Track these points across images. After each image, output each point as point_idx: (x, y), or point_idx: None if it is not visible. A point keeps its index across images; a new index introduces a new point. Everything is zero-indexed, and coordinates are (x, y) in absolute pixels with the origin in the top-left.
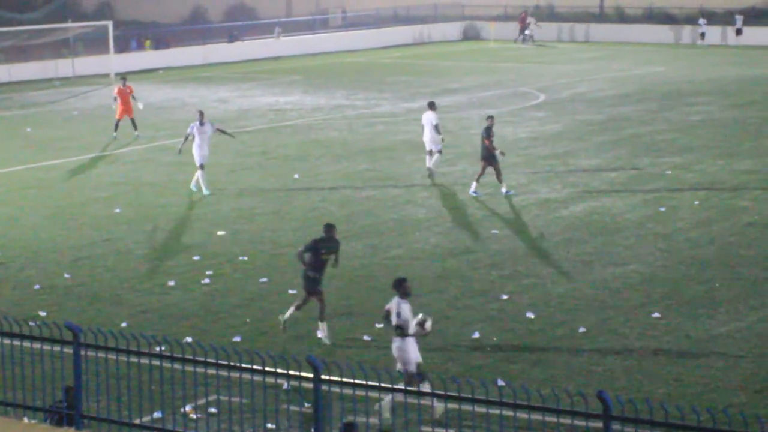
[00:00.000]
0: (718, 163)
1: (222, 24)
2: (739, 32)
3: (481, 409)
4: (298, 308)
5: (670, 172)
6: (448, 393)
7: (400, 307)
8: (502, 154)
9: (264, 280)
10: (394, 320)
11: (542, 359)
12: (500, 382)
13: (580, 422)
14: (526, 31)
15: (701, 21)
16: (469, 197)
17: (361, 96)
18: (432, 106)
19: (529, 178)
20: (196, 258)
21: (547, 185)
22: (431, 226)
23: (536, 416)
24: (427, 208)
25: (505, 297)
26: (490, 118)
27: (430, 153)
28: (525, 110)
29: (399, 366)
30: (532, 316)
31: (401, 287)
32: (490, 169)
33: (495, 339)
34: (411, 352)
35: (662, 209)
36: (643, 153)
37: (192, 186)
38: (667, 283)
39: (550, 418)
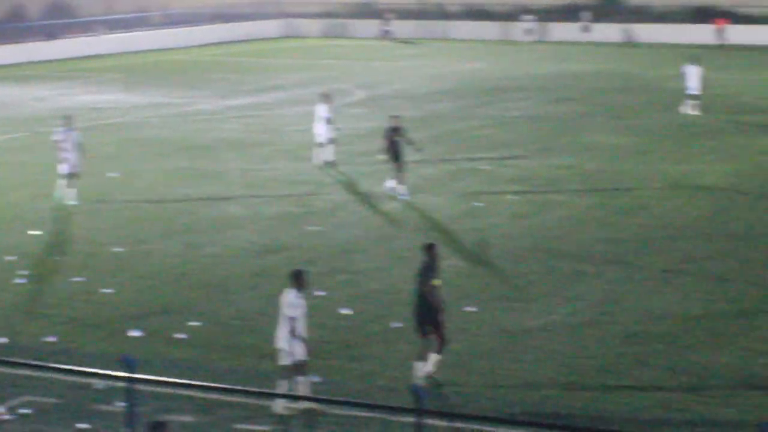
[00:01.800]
0: (534, 158)
1: (41, 22)
2: (585, 28)
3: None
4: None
5: (487, 167)
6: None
7: (291, 300)
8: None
9: (79, 279)
10: (289, 313)
11: (357, 354)
12: (315, 378)
13: (393, 417)
14: (385, 28)
15: (526, 17)
16: (286, 194)
17: (181, 94)
18: (325, 98)
19: (348, 175)
20: (10, 258)
21: (366, 181)
22: (248, 223)
23: (351, 411)
24: (245, 206)
25: (321, 293)
26: (394, 117)
27: (321, 145)
28: (344, 107)
29: (286, 358)
30: (348, 312)
31: (298, 279)
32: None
33: (310, 335)
34: (297, 345)
35: (478, 204)
36: (461, 149)
37: (64, 199)
38: (482, 278)
39: (364, 413)
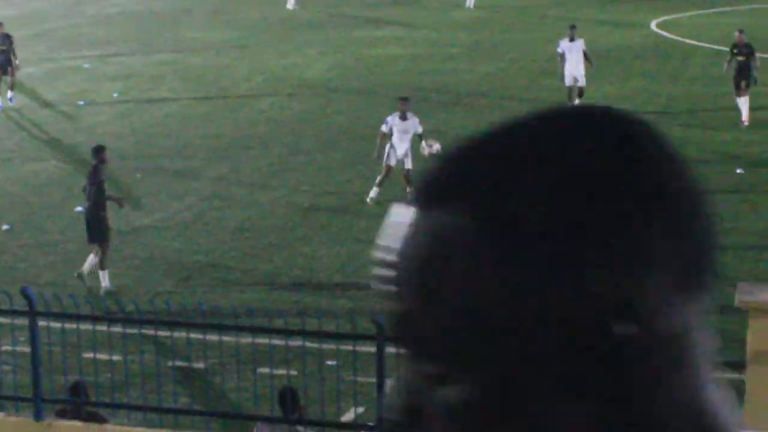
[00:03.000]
0: (135, 56)
1: None
2: None
3: None
4: None
5: (87, 65)
6: None
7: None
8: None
9: None
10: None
11: None
12: None
13: (5, 320)
14: None
15: None
16: None
17: None
18: None
19: None
20: None
21: None
22: None
23: None
24: None
25: None
26: None
27: None
28: None
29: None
30: None
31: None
32: None
33: None
34: None
35: (81, 103)
36: (62, 47)
37: None
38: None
39: None
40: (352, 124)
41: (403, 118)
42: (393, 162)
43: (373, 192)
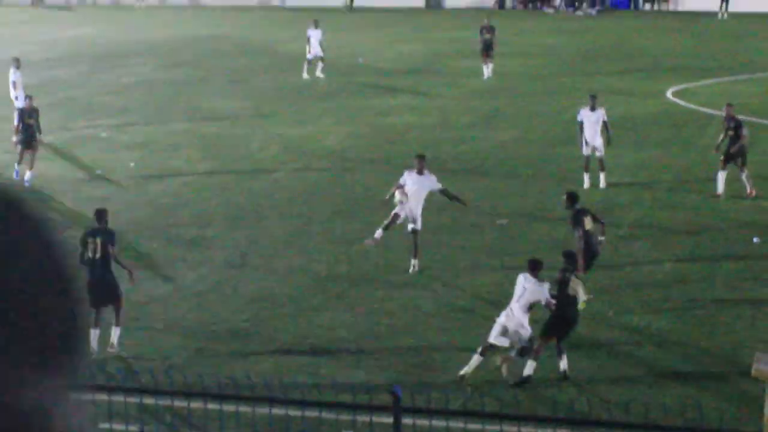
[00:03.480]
0: (152, 125)
1: None
2: None
3: None
4: None
5: (105, 134)
6: None
7: None
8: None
9: None
10: None
11: None
12: None
13: None
14: None
15: None
16: None
17: None
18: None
19: None
20: None
21: None
22: None
23: None
24: None
25: None
26: (29, 98)
27: None
28: None
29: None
30: None
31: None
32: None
33: None
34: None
35: (99, 171)
36: (79, 115)
37: None
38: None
39: None
40: (368, 193)
41: (420, 173)
42: (402, 214)
43: (377, 233)
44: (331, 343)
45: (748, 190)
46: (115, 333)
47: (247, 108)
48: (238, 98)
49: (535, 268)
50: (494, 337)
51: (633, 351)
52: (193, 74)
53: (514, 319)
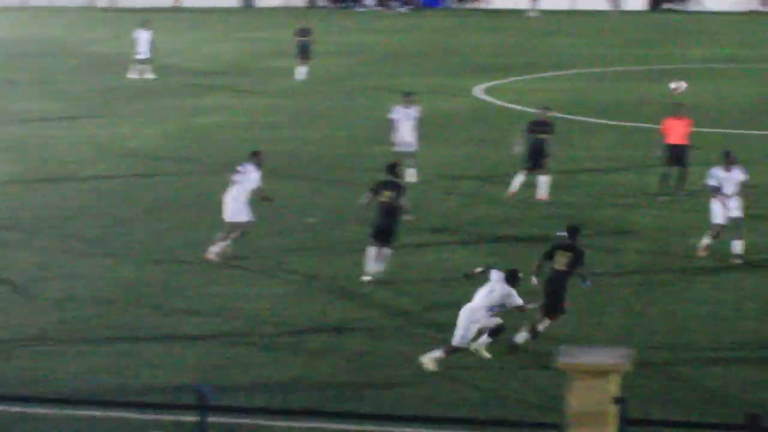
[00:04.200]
0: None
1: None
2: None
3: None
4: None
5: None
6: None
7: None
8: None
9: None
10: None
11: None
12: None
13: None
14: None
15: None
16: None
17: None
18: None
19: None
20: None
21: None
22: None
23: None
24: None
25: None
26: None
27: None
28: None
29: None
30: None
31: None
32: None
33: None
34: None
35: None
36: None
37: None
38: None
39: None
40: (176, 194)
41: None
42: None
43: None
44: (135, 343)
45: (541, 195)
46: None
47: (55, 110)
48: (47, 100)
49: (513, 279)
50: (458, 340)
51: None
52: (0, 76)
53: (474, 315)
